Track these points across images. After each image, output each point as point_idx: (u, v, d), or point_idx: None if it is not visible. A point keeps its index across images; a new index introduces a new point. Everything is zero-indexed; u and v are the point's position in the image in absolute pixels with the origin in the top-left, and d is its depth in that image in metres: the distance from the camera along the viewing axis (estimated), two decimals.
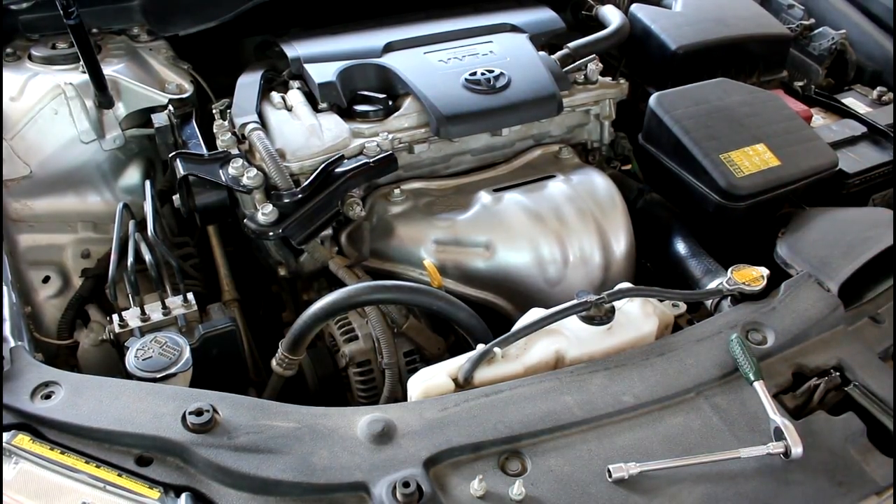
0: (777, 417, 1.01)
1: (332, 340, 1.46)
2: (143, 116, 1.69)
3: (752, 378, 1.07)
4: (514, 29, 1.79)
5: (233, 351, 1.37)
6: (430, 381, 1.13)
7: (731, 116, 1.60)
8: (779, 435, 1.00)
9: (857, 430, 1.06)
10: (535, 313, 1.20)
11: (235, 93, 1.64)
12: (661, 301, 1.28)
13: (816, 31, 2.03)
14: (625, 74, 1.89)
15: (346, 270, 1.46)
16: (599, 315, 1.18)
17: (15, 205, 1.59)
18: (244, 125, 1.53)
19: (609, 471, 0.97)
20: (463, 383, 1.13)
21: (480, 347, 1.15)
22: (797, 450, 0.98)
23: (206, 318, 1.39)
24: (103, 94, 1.60)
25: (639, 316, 1.22)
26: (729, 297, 1.30)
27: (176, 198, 1.50)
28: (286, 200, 1.42)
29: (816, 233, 1.36)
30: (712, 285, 1.36)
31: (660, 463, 0.98)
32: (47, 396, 1.01)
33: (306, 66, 1.64)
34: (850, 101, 1.86)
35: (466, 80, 1.58)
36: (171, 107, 1.64)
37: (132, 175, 1.73)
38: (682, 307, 1.32)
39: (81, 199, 1.66)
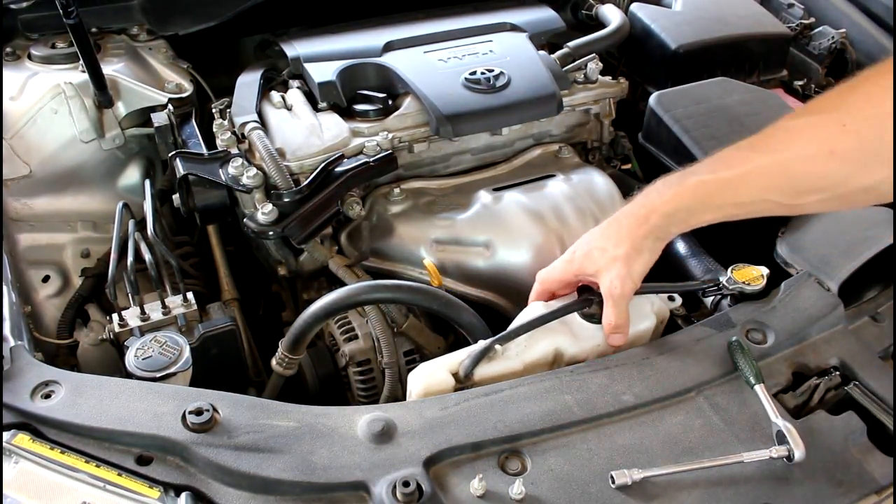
0: (779, 420, 1.01)
1: (332, 340, 1.46)
2: (142, 116, 1.69)
3: (753, 382, 1.07)
4: (513, 28, 1.79)
5: (232, 350, 1.37)
6: (430, 377, 1.13)
7: (731, 116, 1.60)
8: (781, 438, 1.00)
9: (857, 429, 1.06)
10: (535, 309, 1.20)
11: (235, 92, 1.64)
12: (658, 295, 1.28)
13: (816, 31, 2.02)
14: (624, 74, 1.90)
15: (345, 270, 1.46)
16: (600, 313, 1.18)
17: (15, 204, 1.59)
18: (244, 124, 1.53)
19: (612, 477, 0.96)
20: (464, 379, 1.13)
21: (482, 344, 1.15)
22: (800, 453, 0.98)
23: (206, 318, 1.39)
24: (103, 93, 1.60)
25: (637, 314, 1.22)
26: (729, 297, 1.30)
27: (176, 197, 1.50)
28: (286, 200, 1.42)
29: (816, 232, 1.36)
30: None
31: (663, 469, 0.97)
32: (47, 396, 1.01)
33: (306, 65, 1.64)
34: None
35: (466, 79, 1.58)
36: (170, 106, 1.64)
37: (132, 174, 1.73)
38: (679, 301, 1.31)
39: (81, 199, 1.66)
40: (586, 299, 1.18)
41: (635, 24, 1.90)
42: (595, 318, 1.18)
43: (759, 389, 1.06)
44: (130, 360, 1.17)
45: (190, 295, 1.36)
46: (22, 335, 1.15)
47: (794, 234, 1.37)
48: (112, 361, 1.38)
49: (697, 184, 1.06)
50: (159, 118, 1.64)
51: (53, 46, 1.71)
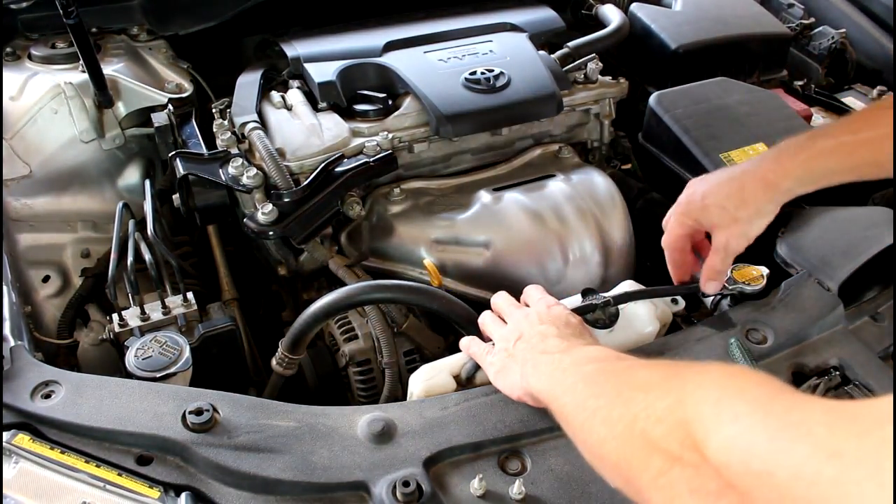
0: None
1: (331, 339, 1.46)
2: (142, 116, 1.69)
3: None
4: (513, 28, 1.79)
5: (232, 350, 1.37)
6: (432, 379, 1.13)
7: (731, 116, 1.60)
8: None
9: None
10: None
11: (235, 92, 1.64)
12: (661, 299, 1.28)
13: (816, 31, 2.03)
14: (624, 74, 1.90)
15: (345, 270, 1.46)
16: (603, 318, 1.18)
17: (15, 204, 1.59)
18: (244, 124, 1.53)
19: None
20: (465, 382, 1.13)
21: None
22: None
23: (206, 318, 1.39)
24: (103, 93, 1.60)
25: (641, 318, 1.22)
26: (729, 297, 1.30)
27: (176, 197, 1.50)
28: (286, 200, 1.42)
29: (816, 232, 1.36)
30: None
31: None
32: (47, 396, 1.01)
33: (306, 65, 1.64)
34: (849, 100, 1.86)
35: (466, 79, 1.58)
36: (170, 106, 1.64)
37: (132, 174, 1.73)
38: (682, 304, 1.31)
39: (81, 199, 1.66)
40: (590, 305, 1.18)
41: (635, 24, 1.90)
42: (599, 324, 1.18)
43: None
44: (130, 360, 1.17)
45: (190, 295, 1.36)
46: (22, 335, 1.15)
47: (794, 234, 1.37)
48: (112, 361, 1.38)
49: (837, 145, 1.06)
50: (159, 118, 1.64)
51: (53, 46, 1.71)
